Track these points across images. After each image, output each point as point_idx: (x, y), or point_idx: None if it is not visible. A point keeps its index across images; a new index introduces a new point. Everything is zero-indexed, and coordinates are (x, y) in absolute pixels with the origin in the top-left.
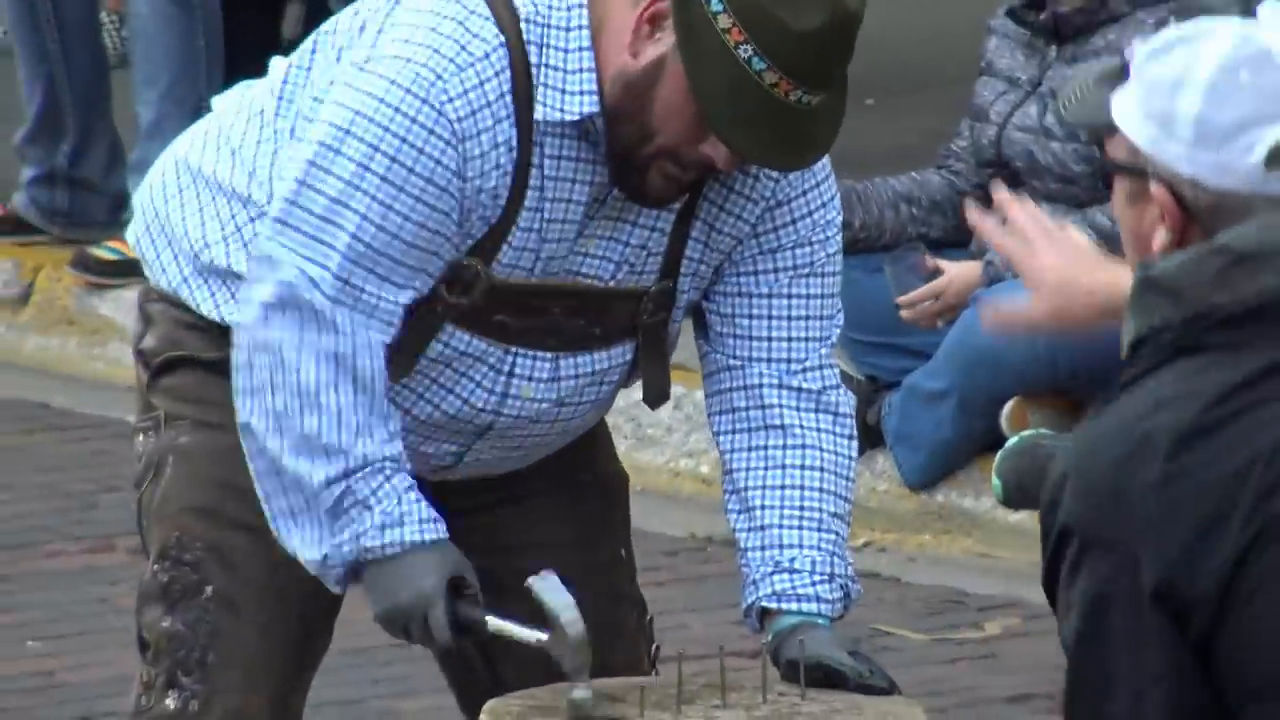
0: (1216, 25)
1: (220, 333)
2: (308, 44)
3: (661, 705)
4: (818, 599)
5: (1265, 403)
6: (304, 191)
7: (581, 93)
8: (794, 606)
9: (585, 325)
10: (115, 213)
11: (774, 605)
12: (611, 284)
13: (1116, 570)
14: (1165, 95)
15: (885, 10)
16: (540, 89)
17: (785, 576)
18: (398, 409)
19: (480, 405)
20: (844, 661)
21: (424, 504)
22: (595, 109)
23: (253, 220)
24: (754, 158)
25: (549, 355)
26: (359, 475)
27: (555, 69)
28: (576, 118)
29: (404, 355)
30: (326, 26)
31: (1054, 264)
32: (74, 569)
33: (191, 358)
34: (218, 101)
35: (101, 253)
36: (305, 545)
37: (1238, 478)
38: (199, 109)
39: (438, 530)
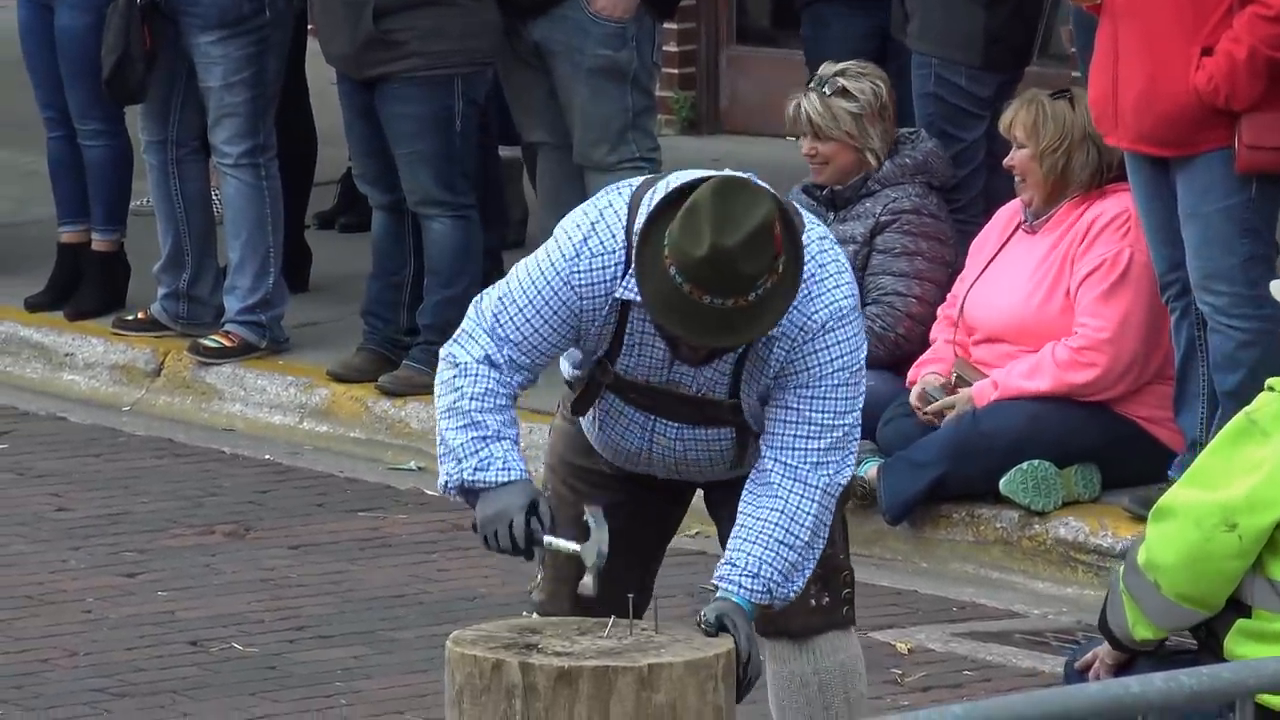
0: None
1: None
2: None
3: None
4: (739, 586)
5: None
6: (500, 303)
7: None
8: (723, 586)
9: (690, 412)
10: (216, 317)
11: (713, 584)
12: (696, 393)
13: None
14: None
15: None
16: None
17: (727, 567)
18: (600, 431)
19: (635, 438)
20: (711, 621)
21: (506, 457)
22: None
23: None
24: (687, 339)
25: (676, 424)
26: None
27: None
28: None
29: (582, 403)
30: None
31: None
32: (188, 545)
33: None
34: None
35: (207, 342)
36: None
37: None
38: (267, 253)
39: (512, 474)
